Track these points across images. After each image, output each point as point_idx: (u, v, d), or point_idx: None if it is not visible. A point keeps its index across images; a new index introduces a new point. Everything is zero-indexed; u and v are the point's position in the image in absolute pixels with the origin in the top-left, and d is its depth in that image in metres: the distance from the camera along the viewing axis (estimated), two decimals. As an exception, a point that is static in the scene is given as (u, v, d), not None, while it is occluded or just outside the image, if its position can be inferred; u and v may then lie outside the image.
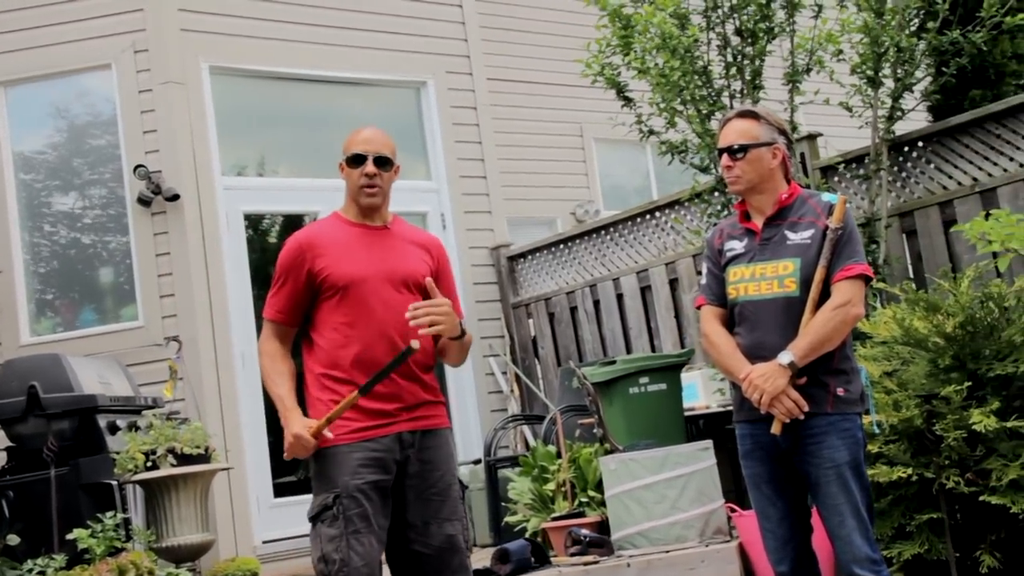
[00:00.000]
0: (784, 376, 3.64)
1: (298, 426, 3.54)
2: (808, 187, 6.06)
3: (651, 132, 6.64)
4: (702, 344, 4.27)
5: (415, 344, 3.53)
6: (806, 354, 3.65)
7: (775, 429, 3.70)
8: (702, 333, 3.98)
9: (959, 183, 6.25)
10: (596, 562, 5.51)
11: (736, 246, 3.88)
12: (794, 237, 3.78)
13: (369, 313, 3.61)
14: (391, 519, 3.61)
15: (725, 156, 3.86)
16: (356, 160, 3.72)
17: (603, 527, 5.94)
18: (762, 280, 3.78)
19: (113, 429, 6.41)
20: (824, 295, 3.71)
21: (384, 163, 3.73)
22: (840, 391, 3.72)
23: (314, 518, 3.57)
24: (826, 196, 3.86)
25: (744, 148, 3.82)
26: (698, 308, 4.03)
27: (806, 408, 3.66)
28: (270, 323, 3.74)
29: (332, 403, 3.58)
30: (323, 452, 3.58)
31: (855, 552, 3.66)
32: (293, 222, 8.65)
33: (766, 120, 3.87)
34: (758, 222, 3.87)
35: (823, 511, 3.73)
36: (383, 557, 3.62)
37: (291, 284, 3.69)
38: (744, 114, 3.92)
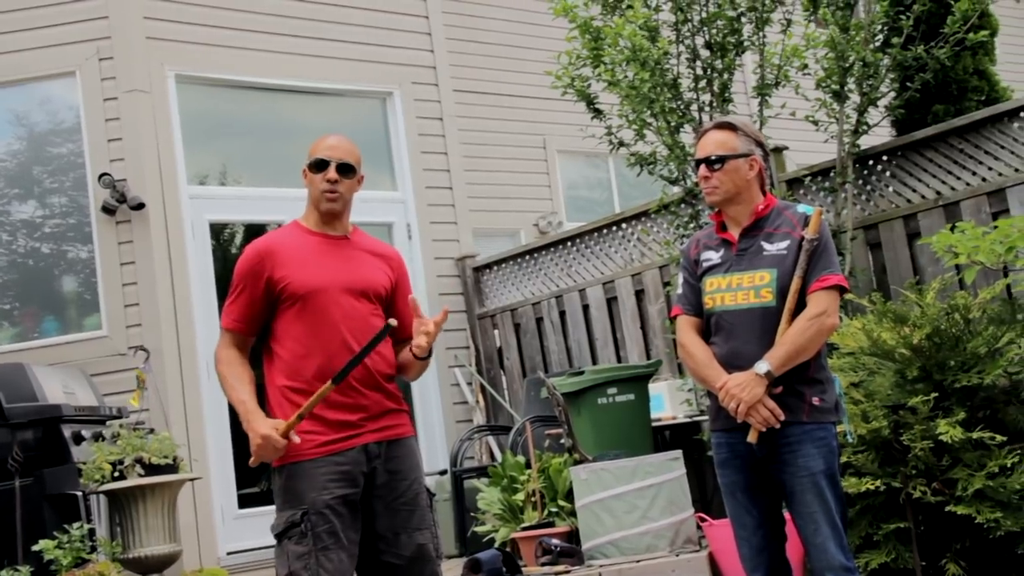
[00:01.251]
0: (761, 385, 3.68)
1: (265, 427, 3.46)
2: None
3: (621, 144, 6.68)
4: (679, 354, 4.30)
5: (393, 321, 3.51)
6: (783, 363, 3.69)
7: (751, 438, 3.73)
8: (679, 343, 4.01)
9: (923, 196, 6.34)
10: (568, 572, 5.53)
11: (713, 256, 3.92)
12: (770, 248, 3.82)
13: (330, 323, 3.58)
14: (361, 531, 3.58)
15: (703, 167, 3.89)
16: (319, 166, 3.69)
17: (573, 537, 5.96)
18: (739, 290, 3.82)
19: (78, 439, 6.34)
20: (800, 305, 3.76)
21: (347, 170, 3.70)
22: (816, 400, 3.76)
23: (280, 535, 3.51)
24: (801, 207, 3.90)
25: (722, 159, 3.86)
26: (673, 318, 4.06)
27: (782, 417, 3.70)
28: (227, 332, 3.66)
29: (300, 432, 3.52)
30: (289, 467, 3.53)
31: (829, 560, 3.70)
32: (259, 231, 8.61)
33: (743, 131, 3.91)
34: (735, 233, 3.91)
35: (798, 519, 3.77)
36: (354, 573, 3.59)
37: (249, 292, 3.63)
38: (721, 125, 3.95)
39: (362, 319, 3.60)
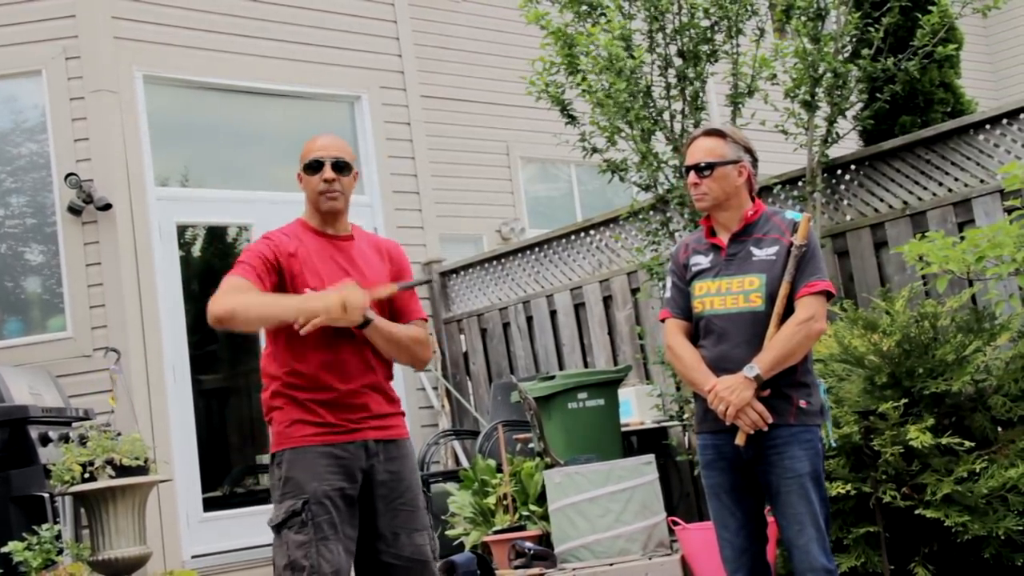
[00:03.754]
0: (750, 388, 3.73)
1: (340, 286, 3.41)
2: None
3: (595, 150, 6.72)
4: (666, 356, 4.34)
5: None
6: (771, 367, 3.75)
7: (739, 440, 3.79)
8: (666, 346, 4.05)
9: (890, 206, 6.44)
10: (542, 574, 5.55)
11: (702, 261, 3.97)
12: (759, 253, 3.88)
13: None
14: (360, 530, 3.59)
15: (692, 173, 3.94)
16: (314, 167, 3.69)
17: (545, 541, 5.99)
18: (728, 295, 3.88)
19: (45, 440, 6.27)
20: (788, 310, 3.82)
21: (343, 168, 3.70)
22: (802, 403, 3.83)
23: (279, 525, 3.51)
24: (790, 214, 3.97)
25: (711, 166, 3.91)
26: (662, 321, 4.10)
27: (771, 420, 3.76)
28: (232, 277, 3.51)
29: (297, 423, 3.54)
30: (289, 454, 3.54)
31: (812, 562, 3.75)
32: (217, 233, 8.58)
33: (732, 138, 3.97)
34: (724, 238, 3.96)
35: (782, 520, 3.82)
36: (352, 571, 3.60)
37: (261, 264, 3.55)
38: (711, 132, 4.00)
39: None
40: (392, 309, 3.70)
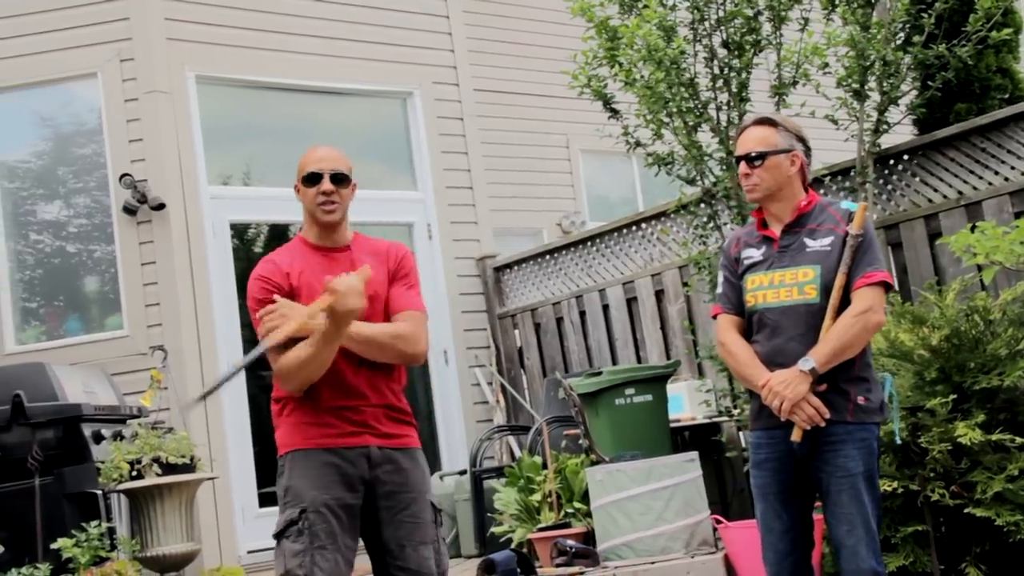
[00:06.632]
0: (805, 382, 3.63)
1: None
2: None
3: (638, 144, 6.65)
4: (718, 353, 4.25)
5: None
6: (827, 360, 3.64)
7: (795, 436, 3.68)
8: (719, 342, 3.96)
9: (944, 196, 6.28)
10: (582, 573, 5.52)
11: (754, 254, 3.87)
12: (813, 244, 3.77)
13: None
14: (368, 542, 3.57)
15: (743, 164, 3.84)
16: (312, 179, 3.65)
17: (589, 538, 5.94)
18: (781, 287, 3.78)
19: (98, 438, 6.38)
20: (844, 302, 3.71)
21: (341, 180, 3.66)
22: (861, 399, 3.71)
23: (279, 534, 3.50)
24: (845, 204, 3.86)
25: (762, 155, 3.81)
26: (714, 317, 4.01)
27: (828, 415, 3.65)
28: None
29: (300, 424, 3.54)
30: (290, 458, 3.53)
31: (859, 564, 3.65)
32: (279, 231, 8.64)
33: (784, 127, 3.86)
34: (776, 230, 3.86)
35: (831, 520, 3.72)
36: None
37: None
38: (762, 121, 3.90)
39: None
40: (386, 307, 3.66)
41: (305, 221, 3.75)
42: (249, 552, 7.63)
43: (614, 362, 8.04)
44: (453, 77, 9.43)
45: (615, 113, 6.63)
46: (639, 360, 7.88)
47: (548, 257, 8.78)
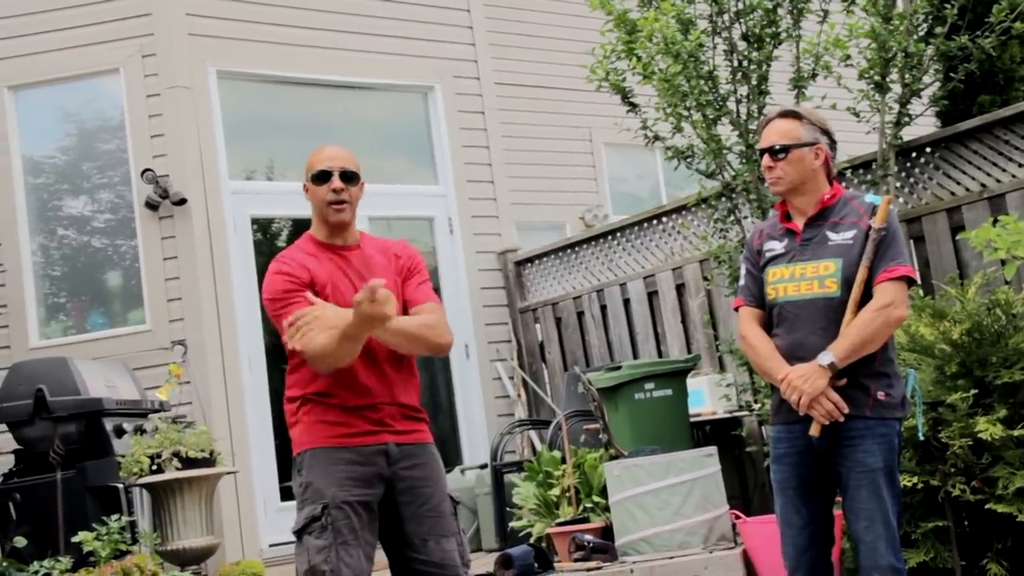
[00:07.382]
0: (824, 377, 3.61)
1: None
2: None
3: (656, 137, 6.63)
4: (740, 346, 4.24)
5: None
6: (847, 355, 3.62)
7: (814, 431, 3.67)
8: (740, 335, 3.95)
9: (967, 189, 6.22)
10: (600, 568, 5.50)
11: (776, 246, 3.86)
12: (836, 237, 3.75)
13: None
14: (389, 537, 3.58)
15: (767, 156, 3.82)
16: (322, 177, 3.66)
17: (607, 533, 5.93)
18: (802, 280, 3.76)
19: (119, 432, 6.43)
20: (866, 296, 3.68)
21: (350, 178, 3.67)
22: (881, 395, 3.69)
23: (300, 531, 3.50)
24: (869, 197, 3.83)
25: (786, 148, 3.79)
26: (736, 310, 4.00)
27: (846, 410, 3.63)
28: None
29: (318, 423, 3.54)
30: (308, 456, 3.54)
31: (878, 559, 3.63)
32: (301, 226, 8.64)
33: (808, 120, 3.84)
34: (799, 222, 3.84)
35: (850, 515, 3.70)
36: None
37: (296, 303, 3.54)
38: (786, 114, 3.88)
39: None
40: (402, 303, 3.67)
41: (314, 220, 3.76)
42: (271, 545, 7.66)
43: (635, 356, 8.01)
44: (474, 71, 9.43)
45: (634, 107, 6.61)
46: (660, 354, 7.86)
47: (569, 251, 8.76)
